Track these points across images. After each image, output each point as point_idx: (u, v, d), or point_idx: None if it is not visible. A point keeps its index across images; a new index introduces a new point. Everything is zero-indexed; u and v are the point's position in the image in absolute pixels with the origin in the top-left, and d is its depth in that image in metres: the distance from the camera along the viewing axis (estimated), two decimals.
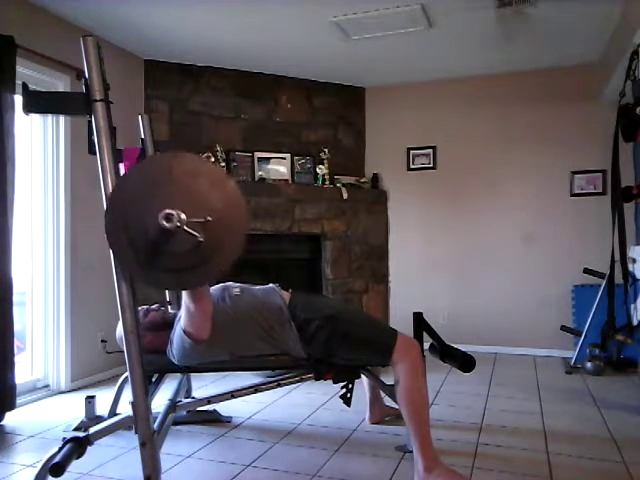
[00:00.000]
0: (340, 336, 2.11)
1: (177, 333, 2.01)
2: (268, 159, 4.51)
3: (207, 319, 1.92)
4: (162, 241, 1.48)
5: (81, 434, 1.76)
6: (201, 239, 1.47)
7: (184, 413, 2.73)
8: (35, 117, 3.29)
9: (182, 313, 1.95)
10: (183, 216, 1.45)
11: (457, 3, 3.29)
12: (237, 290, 2.20)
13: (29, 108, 1.67)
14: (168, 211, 1.43)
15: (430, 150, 4.82)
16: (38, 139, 3.39)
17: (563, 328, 4.06)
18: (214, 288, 2.26)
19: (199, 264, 1.53)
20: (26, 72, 3.12)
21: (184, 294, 1.85)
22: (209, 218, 1.49)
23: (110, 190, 1.60)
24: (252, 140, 4.51)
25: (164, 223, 1.42)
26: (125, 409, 1.96)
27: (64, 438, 1.72)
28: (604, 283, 3.68)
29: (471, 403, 3.12)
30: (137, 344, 1.61)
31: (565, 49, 4.07)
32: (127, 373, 1.62)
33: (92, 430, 1.81)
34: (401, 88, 4.88)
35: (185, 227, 1.45)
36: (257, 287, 2.28)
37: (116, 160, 1.64)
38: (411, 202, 4.87)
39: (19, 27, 3.03)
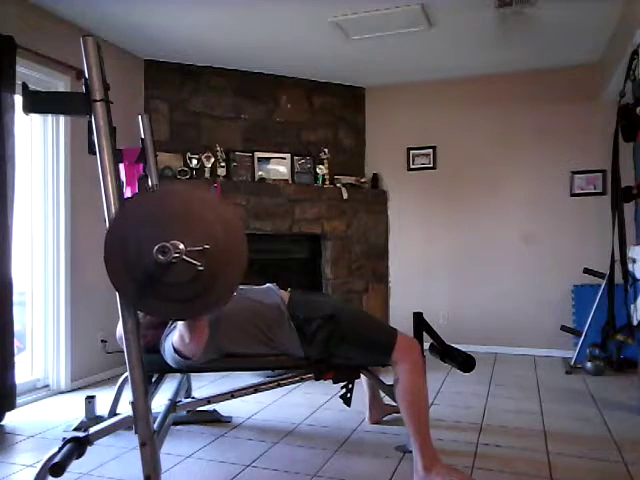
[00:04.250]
0: (340, 335, 2.10)
1: (167, 348, 1.96)
2: (268, 159, 4.51)
3: (200, 345, 1.83)
4: (160, 272, 1.46)
5: (81, 434, 1.76)
6: (201, 267, 1.45)
7: (184, 413, 2.73)
8: (35, 117, 3.29)
9: (175, 335, 1.86)
10: (182, 246, 1.43)
11: (457, 3, 3.29)
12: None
13: (29, 108, 1.67)
14: (163, 244, 1.41)
15: (430, 150, 4.82)
16: (38, 139, 3.39)
17: (563, 328, 4.05)
18: None
19: (199, 294, 1.50)
20: (26, 72, 3.12)
21: (180, 323, 1.78)
22: (207, 246, 1.47)
23: (110, 193, 1.59)
24: (252, 140, 4.51)
25: (159, 257, 1.41)
26: (125, 409, 1.96)
27: (64, 438, 1.72)
28: (604, 283, 3.68)
29: (471, 403, 3.12)
30: (137, 344, 1.61)
31: (565, 49, 4.07)
32: (127, 373, 1.62)
33: (92, 430, 1.81)
34: (401, 88, 4.88)
35: (184, 257, 1.43)
36: (255, 287, 2.28)
37: (116, 160, 1.64)
38: (411, 202, 4.87)
39: (19, 27, 3.03)
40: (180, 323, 1.77)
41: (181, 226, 1.50)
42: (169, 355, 1.96)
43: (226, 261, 1.51)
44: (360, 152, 5.02)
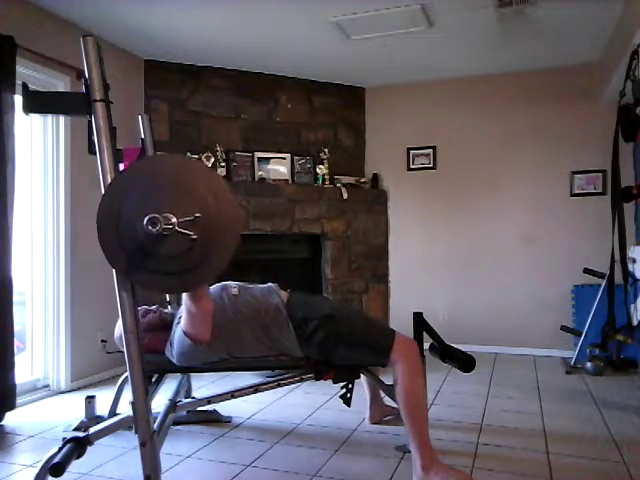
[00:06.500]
0: (338, 336, 2.11)
1: (177, 334, 2.00)
2: (268, 159, 4.51)
3: (208, 319, 1.93)
4: (153, 244, 1.47)
5: (81, 434, 1.77)
6: (194, 236, 1.47)
7: (184, 413, 2.73)
8: (35, 117, 3.29)
9: (182, 315, 1.95)
10: (174, 219, 1.44)
11: (457, 3, 3.29)
12: (235, 290, 2.20)
13: (29, 108, 1.67)
14: (152, 215, 1.41)
15: (430, 150, 4.82)
16: (38, 139, 3.39)
17: (563, 328, 4.05)
18: (213, 287, 2.26)
19: (196, 264, 1.51)
20: (26, 72, 3.12)
21: (184, 295, 1.85)
22: (198, 215, 1.48)
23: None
24: (252, 140, 4.51)
25: (149, 228, 1.42)
26: (125, 409, 1.96)
27: (64, 438, 1.72)
28: (604, 283, 3.68)
29: (471, 403, 3.12)
30: (137, 344, 1.61)
31: (565, 49, 4.07)
32: (127, 373, 1.62)
33: (92, 430, 1.81)
34: (401, 88, 4.88)
35: (177, 228, 1.44)
36: (256, 286, 2.28)
37: (116, 160, 1.64)
38: (411, 202, 4.87)
39: (19, 27, 3.03)
40: (184, 296, 1.84)
41: (172, 196, 1.50)
42: (179, 345, 2.00)
43: (220, 227, 1.52)
44: (360, 152, 5.02)
